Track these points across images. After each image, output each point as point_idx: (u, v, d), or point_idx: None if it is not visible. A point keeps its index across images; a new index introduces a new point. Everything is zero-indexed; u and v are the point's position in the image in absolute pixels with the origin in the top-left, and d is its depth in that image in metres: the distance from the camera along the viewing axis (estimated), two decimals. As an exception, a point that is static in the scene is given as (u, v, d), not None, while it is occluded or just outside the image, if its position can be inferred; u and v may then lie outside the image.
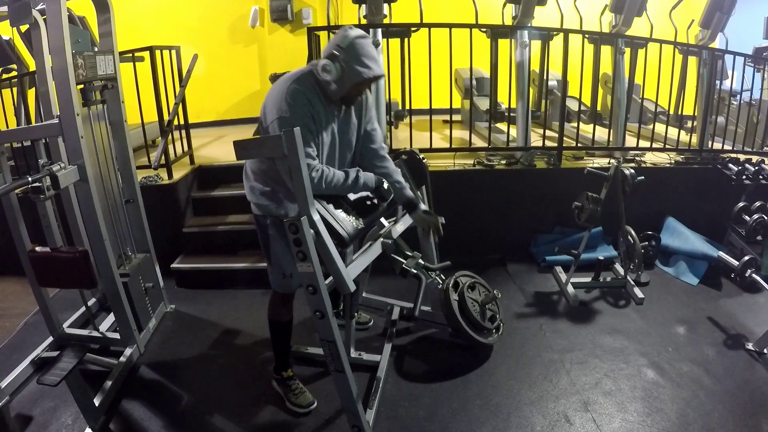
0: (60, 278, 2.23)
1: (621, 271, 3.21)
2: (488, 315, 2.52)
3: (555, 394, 2.23)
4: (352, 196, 1.94)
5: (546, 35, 3.91)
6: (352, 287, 1.75)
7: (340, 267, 1.71)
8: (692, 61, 4.27)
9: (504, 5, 3.91)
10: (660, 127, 3.95)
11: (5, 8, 2.08)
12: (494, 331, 2.55)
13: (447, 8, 5.13)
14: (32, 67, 2.97)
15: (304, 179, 1.60)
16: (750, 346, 2.55)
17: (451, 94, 3.69)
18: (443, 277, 2.39)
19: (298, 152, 1.56)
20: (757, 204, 3.33)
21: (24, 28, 2.76)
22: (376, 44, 3.55)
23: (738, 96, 4.69)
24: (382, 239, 2.08)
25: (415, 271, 2.05)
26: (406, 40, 3.78)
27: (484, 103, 4.41)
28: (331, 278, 1.77)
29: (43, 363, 2.40)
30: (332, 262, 1.70)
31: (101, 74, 2.37)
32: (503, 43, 3.94)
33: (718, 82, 3.97)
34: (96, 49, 2.49)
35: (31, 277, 2.35)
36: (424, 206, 2.19)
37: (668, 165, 3.80)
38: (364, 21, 3.85)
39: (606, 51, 4.21)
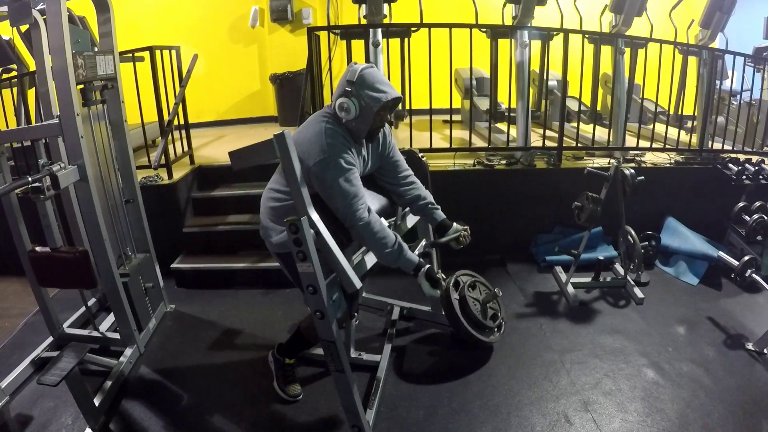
0: (60, 278, 2.23)
1: (621, 271, 3.21)
2: (490, 314, 2.52)
3: (555, 394, 2.23)
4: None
5: (546, 35, 3.90)
6: (358, 284, 1.73)
7: (345, 265, 1.69)
8: (692, 61, 4.26)
9: (504, 5, 3.91)
10: (660, 127, 3.95)
11: (5, 8, 2.08)
12: (496, 329, 2.55)
13: (447, 8, 5.13)
14: (32, 67, 2.96)
15: (298, 181, 1.62)
16: (750, 346, 2.55)
17: (451, 94, 3.69)
18: (444, 276, 2.37)
19: (290, 155, 1.58)
20: (757, 204, 3.33)
21: (24, 28, 2.76)
22: (376, 44, 3.55)
23: (738, 96, 4.69)
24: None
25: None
26: (406, 40, 3.77)
27: (484, 103, 4.40)
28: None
29: (43, 363, 2.40)
30: (336, 261, 1.69)
31: (101, 74, 2.37)
32: (503, 43, 3.94)
33: (718, 82, 3.97)
34: (96, 49, 2.49)
35: (31, 277, 2.35)
36: (455, 224, 2.19)
37: (668, 165, 3.80)
38: (364, 21, 3.85)
39: (606, 51, 4.21)
